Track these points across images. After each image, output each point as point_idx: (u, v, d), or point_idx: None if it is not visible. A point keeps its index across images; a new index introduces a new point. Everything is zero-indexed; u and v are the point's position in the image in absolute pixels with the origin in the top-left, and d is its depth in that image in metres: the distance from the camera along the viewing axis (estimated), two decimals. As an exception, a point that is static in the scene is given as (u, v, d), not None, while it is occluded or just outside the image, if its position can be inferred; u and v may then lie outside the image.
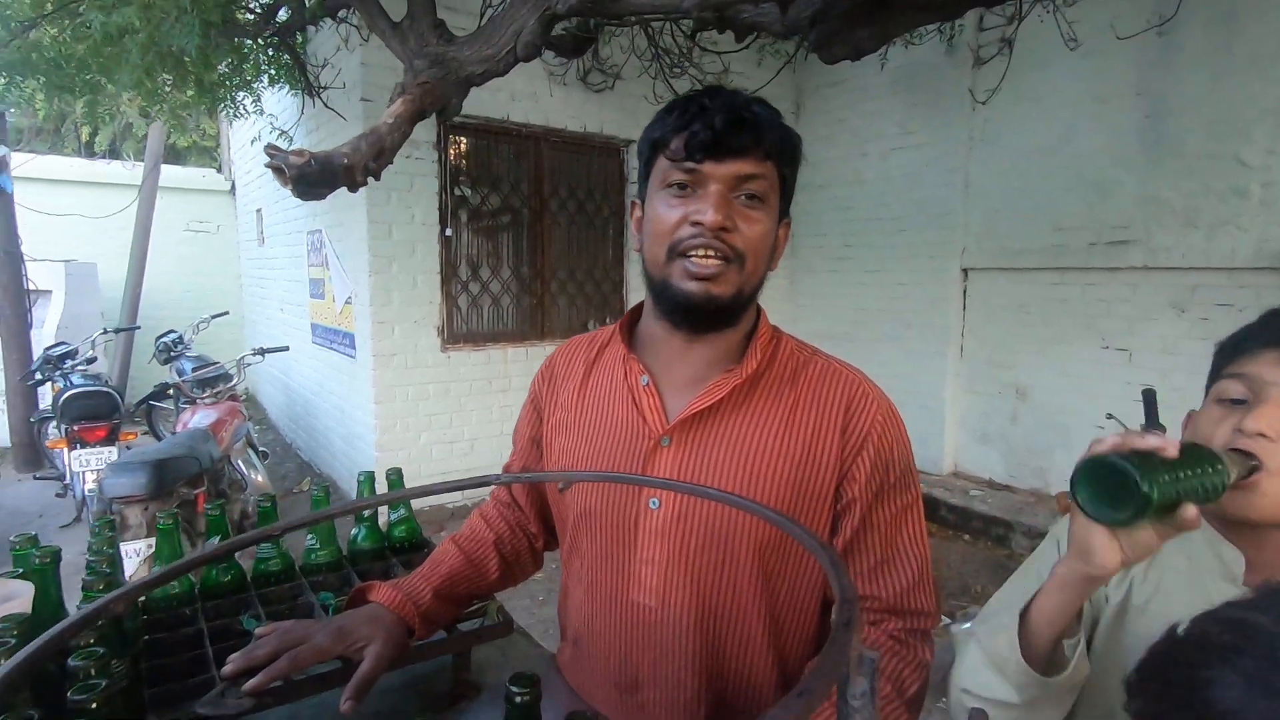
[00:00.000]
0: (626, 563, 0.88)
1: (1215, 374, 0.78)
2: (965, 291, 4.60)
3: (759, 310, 0.90)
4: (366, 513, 1.23)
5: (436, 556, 1.03)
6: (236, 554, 0.97)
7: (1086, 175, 3.94)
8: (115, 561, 0.96)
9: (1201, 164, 3.51)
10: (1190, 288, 3.61)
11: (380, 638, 0.85)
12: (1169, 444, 0.60)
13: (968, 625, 0.80)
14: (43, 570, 0.88)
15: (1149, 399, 1.98)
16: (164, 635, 0.96)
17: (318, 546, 1.15)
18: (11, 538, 0.92)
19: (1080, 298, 4.06)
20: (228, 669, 0.79)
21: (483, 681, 1.04)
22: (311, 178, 1.58)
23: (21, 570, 0.91)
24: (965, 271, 4.58)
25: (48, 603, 0.87)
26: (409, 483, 3.92)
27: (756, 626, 0.85)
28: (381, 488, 1.30)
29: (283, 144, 3.88)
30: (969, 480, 4.62)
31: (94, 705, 0.57)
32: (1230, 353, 0.76)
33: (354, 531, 1.23)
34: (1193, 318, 3.61)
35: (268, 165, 1.61)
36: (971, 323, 4.60)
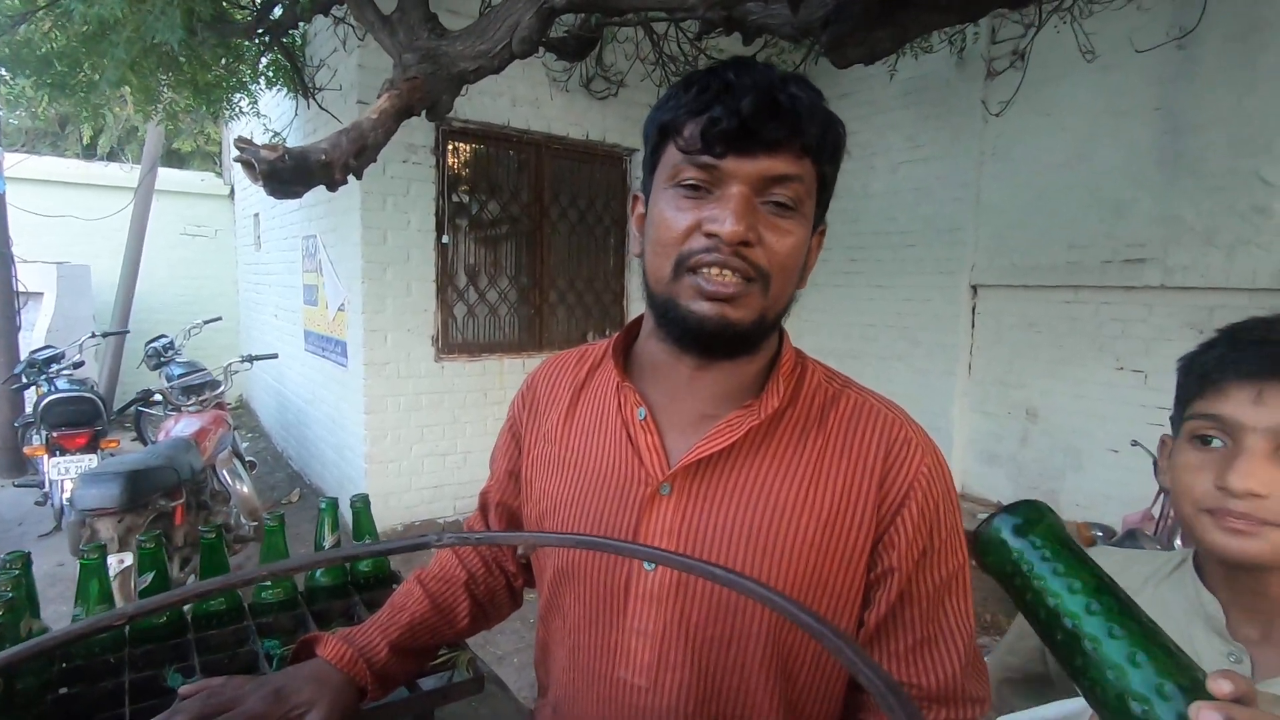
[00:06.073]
0: (614, 632, 0.74)
1: (1184, 402, 0.72)
2: (975, 309, 4.49)
3: (782, 334, 0.75)
4: (326, 543, 1.10)
5: (397, 600, 0.89)
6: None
7: (1102, 192, 3.82)
8: (17, 606, 0.83)
9: (1222, 181, 3.39)
10: (1209, 309, 3.48)
11: (325, 702, 0.72)
12: None
13: None
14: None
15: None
16: (80, 689, 0.84)
17: (269, 583, 1.02)
18: None
19: (1094, 317, 3.94)
20: (136, 742, 0.67)
21: (448, 745, 0.91)
22: (285, 174, 1.46)
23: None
24: (974, 288, 4.46)
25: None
26: (396, 498, 3.73)
27: (769, 716, 0.71)
28: (345, 514, 1.18)
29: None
30: (977, 503, 4.48)
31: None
32: (1199, 383, 0.70)
33: (313, 565, 1.10)
34: (1212, 339, 3.49)
35: (236, 159, 1.49)
36: (981, 341, 4.48)
